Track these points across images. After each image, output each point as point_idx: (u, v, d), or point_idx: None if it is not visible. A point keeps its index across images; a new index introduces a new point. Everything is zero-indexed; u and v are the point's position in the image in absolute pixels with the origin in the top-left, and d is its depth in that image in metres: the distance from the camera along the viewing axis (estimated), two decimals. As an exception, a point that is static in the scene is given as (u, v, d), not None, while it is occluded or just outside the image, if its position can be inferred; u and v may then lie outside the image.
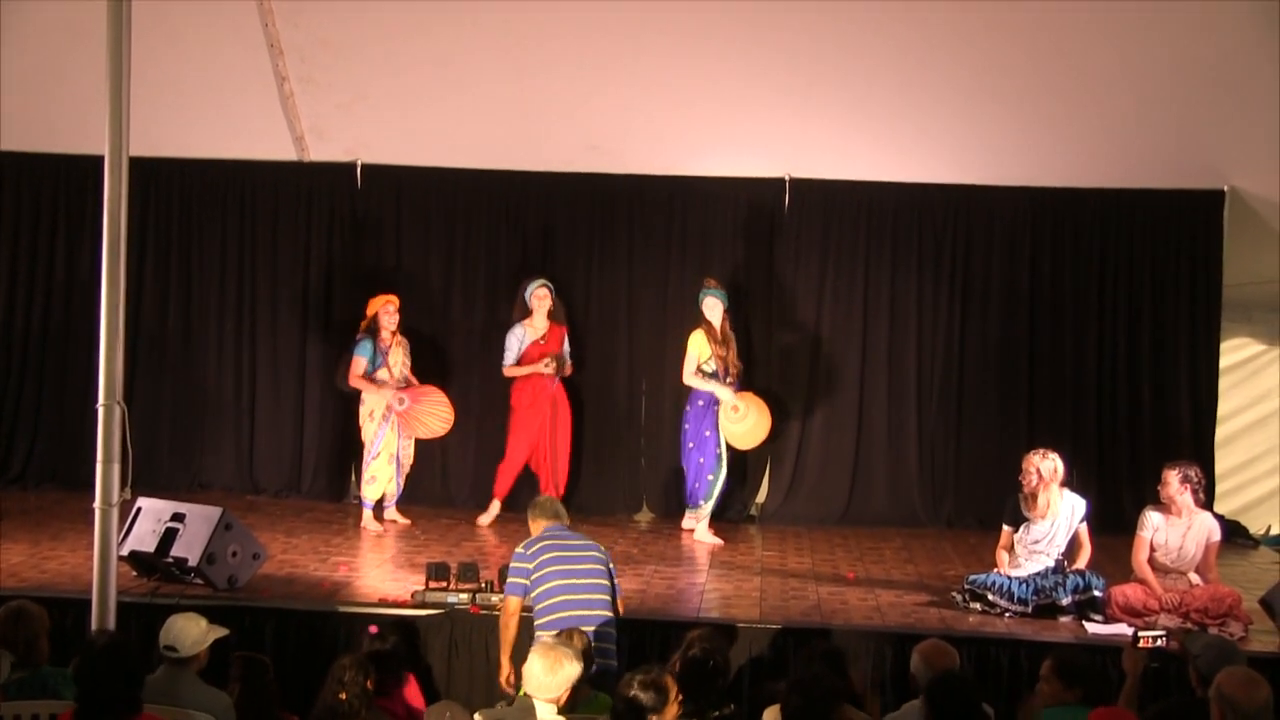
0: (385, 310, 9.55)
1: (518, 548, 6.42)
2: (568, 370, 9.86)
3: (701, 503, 9.47)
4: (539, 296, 9.74)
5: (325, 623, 7.04)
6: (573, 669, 5.02)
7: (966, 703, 4.74)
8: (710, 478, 9.43)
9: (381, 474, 9.53)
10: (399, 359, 9.58)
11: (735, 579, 8.26)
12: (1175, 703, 5.18)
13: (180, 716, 4.99)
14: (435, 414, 9.60)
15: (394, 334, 9.59)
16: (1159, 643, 5.92)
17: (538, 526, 6.52)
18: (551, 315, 9.80)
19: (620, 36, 9.37)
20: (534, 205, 10.70)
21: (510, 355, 9.73)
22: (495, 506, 9.82)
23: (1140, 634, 5.97)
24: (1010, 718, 5.70)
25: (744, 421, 9.37)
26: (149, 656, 5.74)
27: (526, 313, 9.76)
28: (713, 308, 9.41)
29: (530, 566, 6.26)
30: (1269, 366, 11.13)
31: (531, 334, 9.73)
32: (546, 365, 9.63)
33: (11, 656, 4.96)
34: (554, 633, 5.85)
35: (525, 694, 5.08)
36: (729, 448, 9.53)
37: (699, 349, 9.40)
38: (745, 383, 9.82)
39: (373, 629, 6.28)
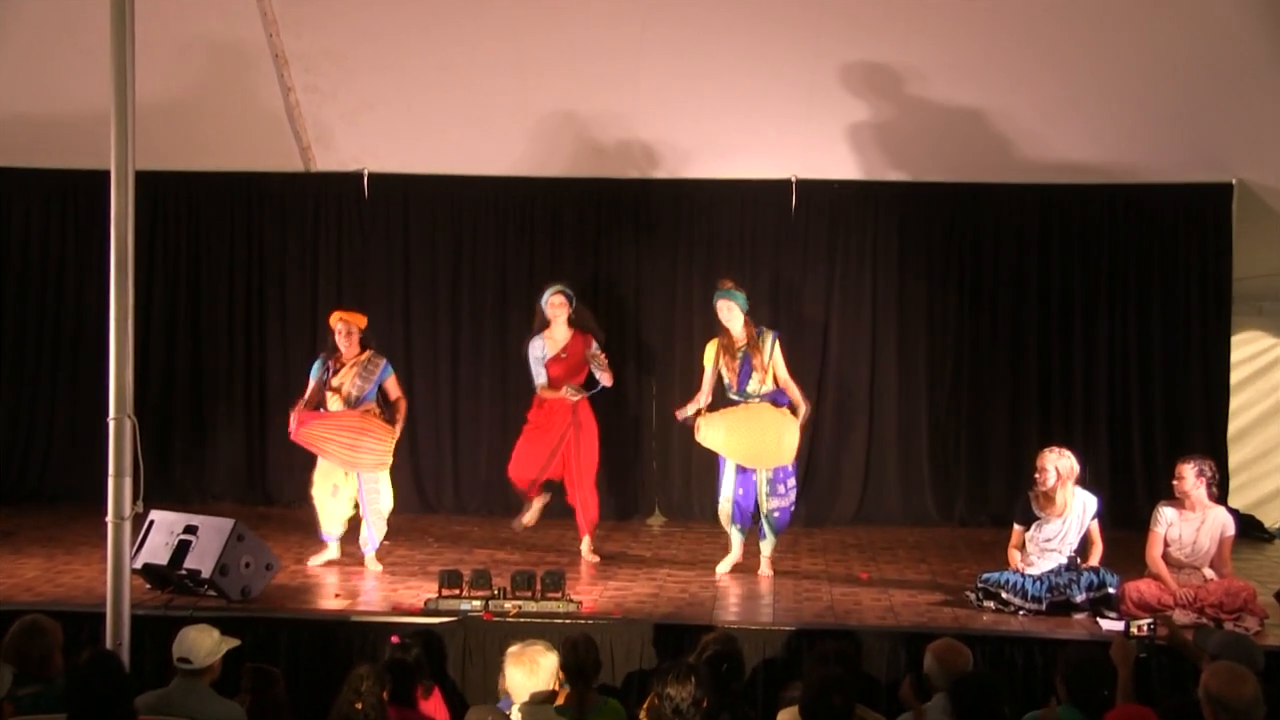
0: (336, 329, 8.63)
1: None
2: (606, 381, 8.90)
3: (766, 535, 8.50)
4: (554, 304, 8.81)
5: (339, 632, 7.03)
6: (550, 660, 5.00)
7: (992, 703, 4.72)
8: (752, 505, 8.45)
9: (320, 505, 8.59)
10: (348, 379, 8.53)
11: (748, 581, 8.25)
12: (1192, 699, 5.13)
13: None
14: (332, 438, 8.39)
15: (359, 354, 8.59)
16: (1148, 630, 5.95)
17: None
18: (573, 322, 8.91)
19: (624, 40, 9.39)
20: (540, 211, 10.70)
21: (538, 375, 8.89)
22: (531, 505, 8.94)
23: (1131, 624, 5.98)
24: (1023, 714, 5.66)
25: (710, 441, 8.37)
26: (163, 669, 5.77)
27: (545, 323, 8.92)
28: (725, 310, 8.39)
29: None
30: (1281, 359, 11.09)
31: (551, 346, 8.86)
32: (569, 393, 8.76)
33: (12, 669, 4.96)
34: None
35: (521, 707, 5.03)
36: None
37: (709, 361, 8.51)
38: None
39: (394, 639, 6.26)
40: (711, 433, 8.30)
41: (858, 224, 10.55)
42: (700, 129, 10.04)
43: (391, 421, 8.58)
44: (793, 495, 8.50)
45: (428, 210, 10.77)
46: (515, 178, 10.58)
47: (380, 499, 8.53)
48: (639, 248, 10.68)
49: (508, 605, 7.07)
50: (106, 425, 5.85)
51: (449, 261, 10.78)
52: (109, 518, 5.84)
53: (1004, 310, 10.50)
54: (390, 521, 8.74)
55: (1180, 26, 8.90)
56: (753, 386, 8.37)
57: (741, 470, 8.38)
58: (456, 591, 7.17)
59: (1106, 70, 9.29)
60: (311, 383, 8.64)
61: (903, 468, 10.55)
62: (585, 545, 8.97)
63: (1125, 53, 9.16)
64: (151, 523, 7.59)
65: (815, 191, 10.46)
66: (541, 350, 8.88)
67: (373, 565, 8.47)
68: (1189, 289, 10.36)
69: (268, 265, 10.88)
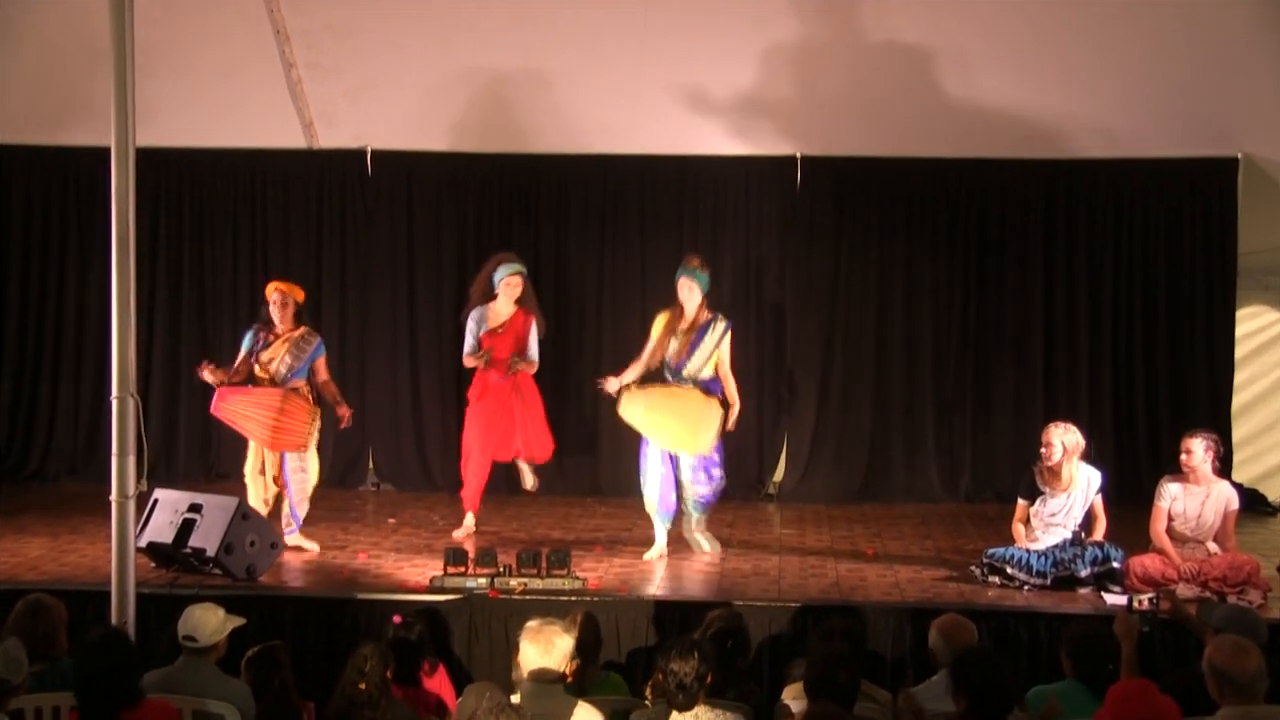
0: (270, 300, 8.23)
1: None
2: (529, 369, 8.74)
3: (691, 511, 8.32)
4: (510, 284, 8.64)
5: (344, 610, 7.04)
6: (565, 642, 4.99)
7: (994, 678, 4.72)
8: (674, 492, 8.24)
9: (248, 481, 8.26)
10: (279, 355, 8.14)
11: (753, 558, 8.25)
12: (1196, 673, 5.13)
13: (199, 705, 5.00)
14: (251, 415, 8.02)
15: (294, 329, 8.22)
16: (1149, 604, 5.95)
17: None
18: (520, 301, 8.75)
19: (628, 15, 9.35)
20: (545, 187, 10.68)
21: (470, 342, 8.72)
22: (469, 520, 8.86)
23: (1134, 598, 5.97)
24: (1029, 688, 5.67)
25: (629, 416, 8.08)
26: (168, 647, 5.77)
27: (489, 296, 8.73)
28: (685, 289, 8.11)
29: None
30: (1285, 333, 11.07)
31: (493, 318, 8.69)
32: (479, 358, 8.59)
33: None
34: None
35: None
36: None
37: (655, 331, 8.22)
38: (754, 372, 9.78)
39: (396, 619, 6.26)
40: (631, 408, 8.02)
41: (863, 200, 10.52)
42: (705, 106, 9.99)
43: (317, 401, 8.27)
44: (720, 481, 8.25)
45: (431, 187, 10.75)
46: (518, 154, 10.55)
47: (307, 477, 8.20)
48: (643, 224, 10.66)
49: (513, 582, 7.07)
50: (109, 404, 5.84)
51: (453, 238, 10.76)
52: (113, 496, 5.84)
53: (1009, 285, 10.48)
54: (395, 500, 8.72)
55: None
56: (689, 370, 8.08)
57: (664, 461, 8.12)
58: (462, 569, 7.17)
59: (1111, 45, 9.25)
60: (241, 354, 8.30)
61: (908, 443, 10.55)
62: (527, 472, 8.98)
63: (1129, 26, 9.11)
64: (156, 501, 7.59)
65: (820, 168, 10.43)
66: (480, 320, 8.70)
67: (302, 542, 8.20)
68: (1194, 264, 10.34)
69: (271, 242, 10.88)
